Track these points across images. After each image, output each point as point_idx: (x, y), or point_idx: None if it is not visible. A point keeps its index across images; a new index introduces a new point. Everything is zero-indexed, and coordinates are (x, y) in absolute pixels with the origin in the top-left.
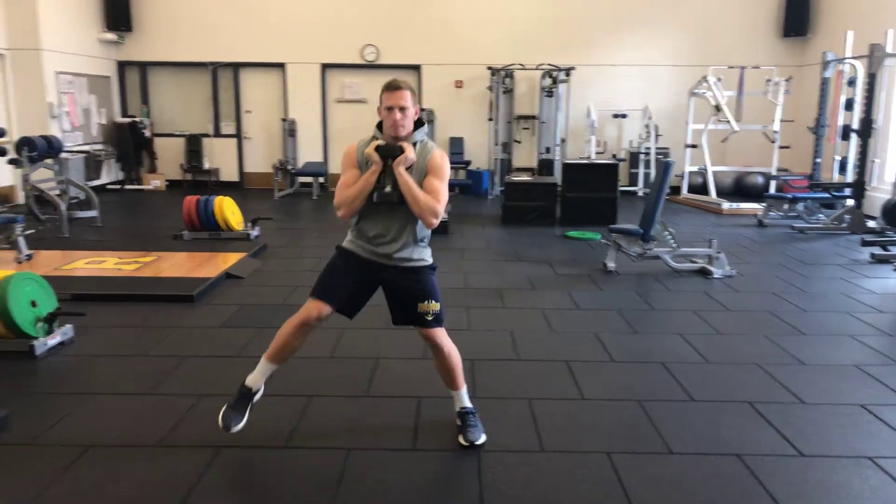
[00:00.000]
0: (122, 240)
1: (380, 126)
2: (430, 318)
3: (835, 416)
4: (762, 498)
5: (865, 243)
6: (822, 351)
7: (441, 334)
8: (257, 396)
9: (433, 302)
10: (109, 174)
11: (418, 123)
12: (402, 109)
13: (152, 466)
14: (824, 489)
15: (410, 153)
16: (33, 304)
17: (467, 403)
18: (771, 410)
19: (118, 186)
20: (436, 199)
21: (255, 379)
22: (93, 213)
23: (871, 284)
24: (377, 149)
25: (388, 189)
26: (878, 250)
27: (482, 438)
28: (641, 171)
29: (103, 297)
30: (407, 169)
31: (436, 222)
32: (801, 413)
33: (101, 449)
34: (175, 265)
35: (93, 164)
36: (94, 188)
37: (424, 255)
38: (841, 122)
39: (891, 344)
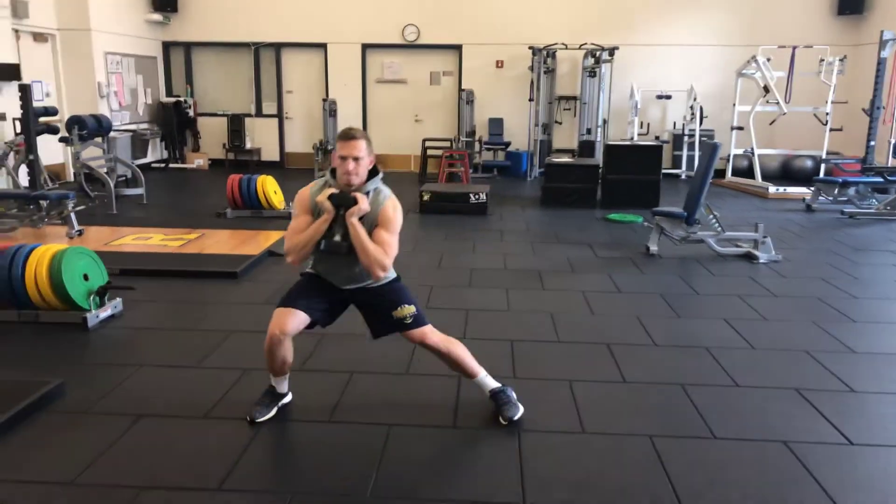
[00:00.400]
0: (167, 217)
1: (332, 172)
2: (409, 322)
3: (886, 405)
4: (810, 485)
5: None
6: (873, 339)
7: (428, 333)
8: (286, 400)
9: (406, 306)
10: (154, 153)
11: (373, 172)
12: (356, 160)
13: (201, 436)
14: (876, 478)
15: (364, 204)
16: (85, 277)
17: (492, 385)
18: (819, 398)
19: (163, 165)
20: (385, 251)
21: (277, 384)
22: (139, 191)
23: None
24: (330, 197)
25: (337, 238)
26: None
27: (519, 412)
28: (685, 153)
29: (150, 273)
30: (360, 219)
31: (383, 275)
32: (850, 401)
33: (151, 419)
34: (219, 242)
35: (139, 143)
36: (140, 166)
37: (384, 276)
38: None
39: None
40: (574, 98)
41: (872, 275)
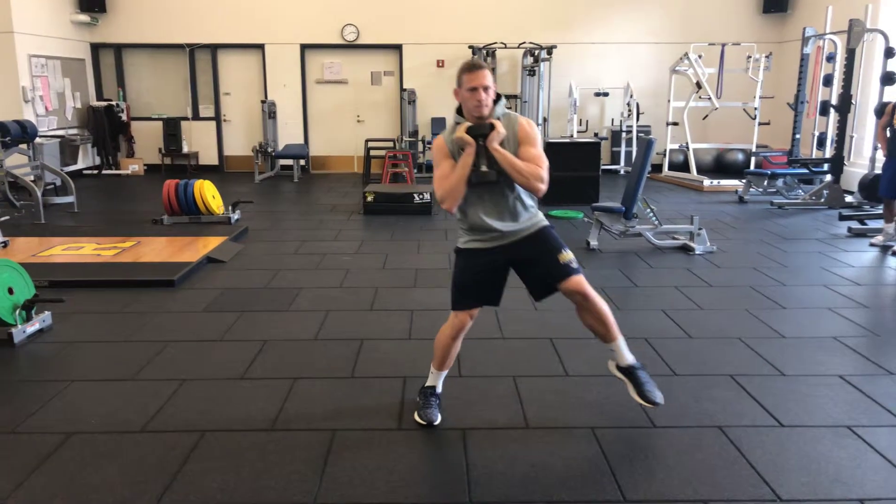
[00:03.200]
0: (101, 225)
1: (458, 110)
2: (574, 266)
3: (814, 388)
4: (744, 468)
5: (843, 217)
6: (802, 324)
7: (584, 281)
8: (437, 389)
9: (566, 251)
10: (86, 159)
11: (496, 99)
12: (486, 88)
13: (137, 452)
14: (804, 457)
15: (501, 128)
16: (10, 291)
17: (631, 358)
18: (752, 383)
19: (95, 171)
20: (538, 164)
21: (432, 380)
22: (69, 199)
23: (848, 258)
24: (468, 130)
25: (484, 168)
26: (855, 224)
27: (661, 396)
28: (623, 149)
29: (82, 284)
30: (500, 144)
31: (544, 187)
32: (781, 385)
33: (84, 436)
34: (155, 250)
35: (68, 149)
36: (70, 173)
37: (538, 218)
38: (820, 98)
39: (867, 316)
40: (515, 96)
41: (800, 262)
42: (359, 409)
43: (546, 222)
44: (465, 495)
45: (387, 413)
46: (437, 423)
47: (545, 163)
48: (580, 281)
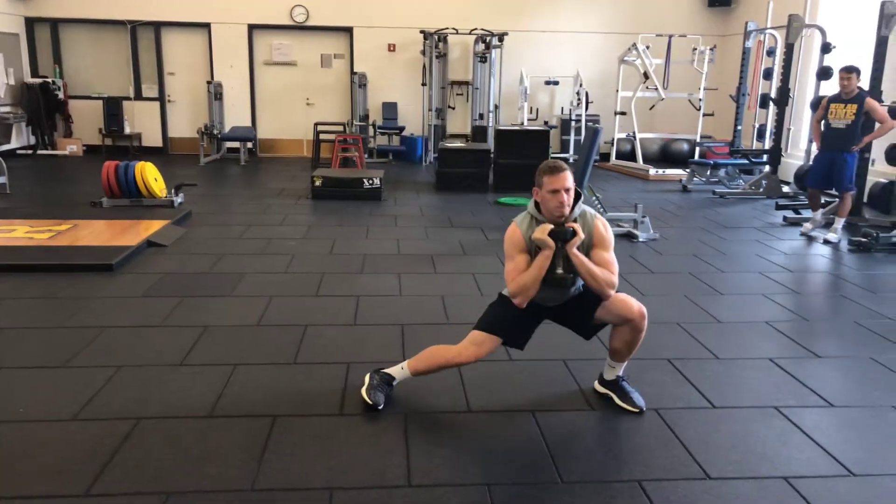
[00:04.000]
0: (34, 207)
1: (536, 204)
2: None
3: (746, 370)
4: (676, 447)
5: (779, 207)
6: (737, 309)
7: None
8: (396, 382)
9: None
10: (20, 138)
11: (575, 197)
12: (567, 191)
13: (67, 441)
14: (734, 437)
15: (581, 233)
16: None
17: (621, 370)
18: (688, 367)
19: (30, 152)
20: (611, 270)
21: (397, 374)
22: (1, 180)
23: (782, 246)
24: (551, 234)
25: (560, 271)
26: (790, 213)
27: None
28: (572, 137)
29: (12, 268)
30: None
31: (612, 293)
32: (715, 368)
33: (10, 424)
34: (93, 233)
35: (1, 128)
36: (2, 153)
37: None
38: (760, 90)
39: (797, 301)
40: (466, 83)
41: (738, 250)
42: (300, 395)
43: None
44: (405, 479)
45: (329, 399)
46: (380, 407)
47: (616, 267)
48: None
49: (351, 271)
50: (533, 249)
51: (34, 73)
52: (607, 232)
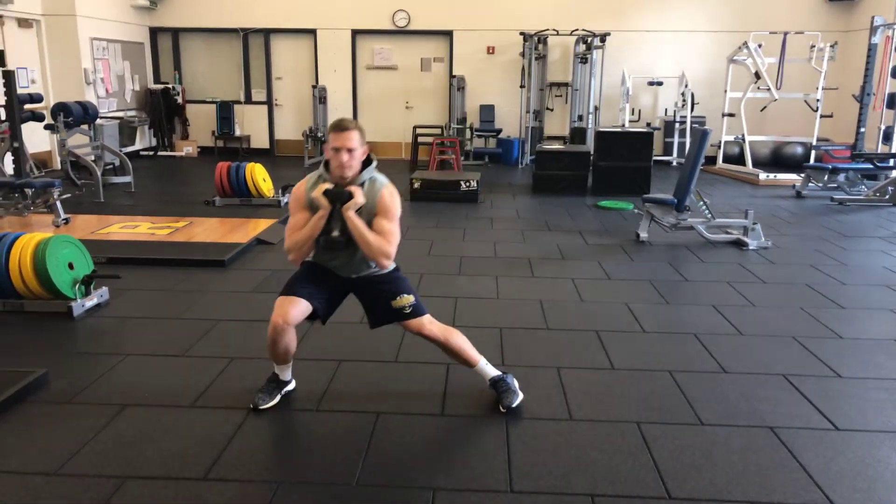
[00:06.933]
0: (155, 205)
1: (326, 164)
2: (408, 311)
3: (872, 391)
4: (795, 471)
5: None
6: (861, 325)
7: (426, 324)
8: (289, 387)
9: (405, 296)
10: (143, 140)
11: (366, 161)
12: (350, 151)
13: (187, 425)
14: (860, 463)
15: (359, 197)
16: (70, 266)
17: (493, 373)
18: (806, 384)
19: (151, 153)
20: (387, 240)
21: (280, 371)
22: (127, 179)
23: None
24: (325, 193)
25: (335, 233)
26: None
27: (518, 399)
28: (676, 140)
29: (137, 261)
30: (357, 211)
31: (388, 263)
32: (837, 387)
33: (136, 408)
34: (207, 230)
35: (127, 131)
36: (127, 154)
37: (385, 269)
38: (888, 90)
39: None
40: (566, 84)
41: (861, 261)
42: (402, 393)
43: (391, 269)
44: (506, 484)
45: (430, 399)
46: (261, 407)
47: (395, 238)
48: (419, 325)
49: (449, 272)
50: (313, 208)
51: (156, 80)
52: (393, 201)
